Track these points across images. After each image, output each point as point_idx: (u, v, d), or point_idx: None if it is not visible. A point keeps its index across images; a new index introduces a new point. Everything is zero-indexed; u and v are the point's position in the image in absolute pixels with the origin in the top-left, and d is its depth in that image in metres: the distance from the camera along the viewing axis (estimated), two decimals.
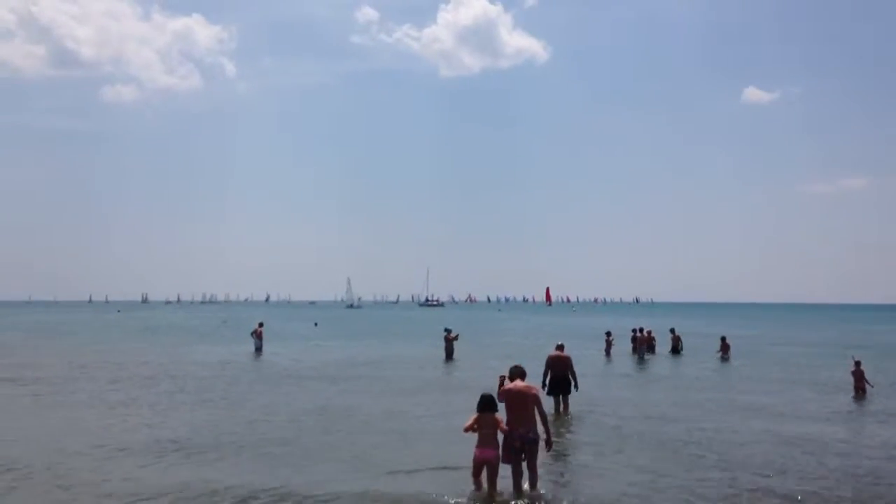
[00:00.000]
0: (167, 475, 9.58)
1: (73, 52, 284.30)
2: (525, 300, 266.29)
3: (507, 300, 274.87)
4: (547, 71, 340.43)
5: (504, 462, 8.54)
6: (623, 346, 30.36)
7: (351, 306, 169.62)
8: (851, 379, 18.58)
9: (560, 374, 14.54)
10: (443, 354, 27.63)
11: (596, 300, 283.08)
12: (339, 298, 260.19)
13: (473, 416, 8.54)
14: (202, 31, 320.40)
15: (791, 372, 24.29)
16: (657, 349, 31.01)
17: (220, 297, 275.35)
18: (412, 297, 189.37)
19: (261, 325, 32.67)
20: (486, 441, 8.40)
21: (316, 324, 64.94)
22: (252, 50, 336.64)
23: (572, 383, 14.57)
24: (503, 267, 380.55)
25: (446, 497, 8.40)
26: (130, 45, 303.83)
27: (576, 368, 14.76)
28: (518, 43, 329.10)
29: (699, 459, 10.71)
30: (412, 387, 19.20)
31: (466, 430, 8.53)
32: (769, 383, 20.89)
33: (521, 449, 8.55)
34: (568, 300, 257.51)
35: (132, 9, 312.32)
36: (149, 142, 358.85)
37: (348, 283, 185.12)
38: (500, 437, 8.53)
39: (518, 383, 8.82)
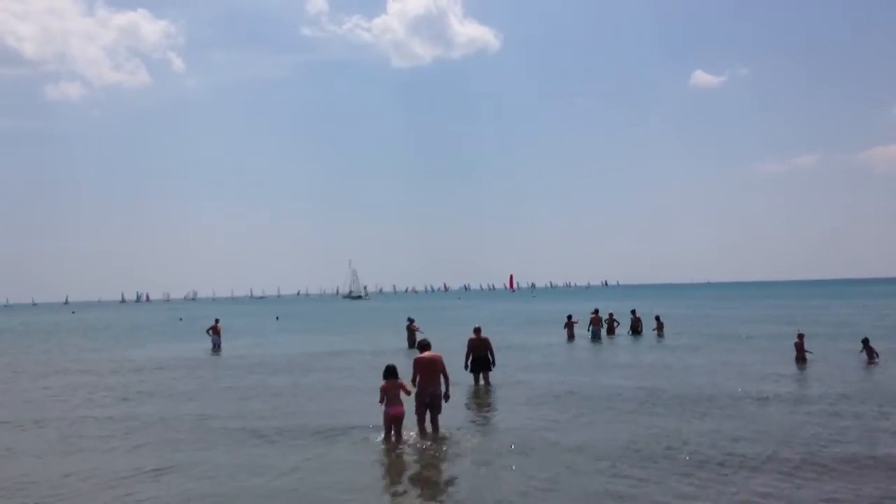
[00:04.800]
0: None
1: (15, 50, 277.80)
2: (492, 288, 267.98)
3: (466, 289, 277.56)
4: (499, 59, 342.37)
5: (416, 413, 10.86)
6: (585, 329, 30.63)
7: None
8: (794, 350, 19.87)
9: (480, 355, 16.49)
10: (405, 344, 27.57)
11: (568, 285, 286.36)
12: (301, 292, 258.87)
13: (382, 383, 10.55)
14: (148, 26, 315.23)
15: (716, 344, 25.73)
16: (617, 330, 31.44)
17: (177, 296, 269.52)
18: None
19: (217, 321, 32.17)
20: (393, 401, 10.49)
21: (277, 318, 64.41)
22: (200, 44, 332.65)
23: (491, 362, 16.51)
24: (463, 256, 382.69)
25: (367, 445, 10.56)
26: (74, 41, 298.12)
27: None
28: (469, 32, 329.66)
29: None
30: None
31: (381, 398, 10.53)
32: (695, 355, 22.32)
33: (430, 403, 10.91)
34: (533, 286, 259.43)
35: (75, 5, 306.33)
36: (96, 139, 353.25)
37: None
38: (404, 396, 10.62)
39: (427, 353, 11.19)
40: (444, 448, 10.32)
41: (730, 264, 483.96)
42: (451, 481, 8.91)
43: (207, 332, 31.68)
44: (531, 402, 14.33)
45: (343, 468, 9.60)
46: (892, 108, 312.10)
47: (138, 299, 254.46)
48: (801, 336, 19.89)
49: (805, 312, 47.94)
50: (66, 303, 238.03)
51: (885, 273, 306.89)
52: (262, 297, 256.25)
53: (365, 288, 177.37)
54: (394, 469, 9.59)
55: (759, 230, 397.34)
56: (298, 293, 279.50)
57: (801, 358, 19.37)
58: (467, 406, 14.12)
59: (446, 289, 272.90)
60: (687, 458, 9.25)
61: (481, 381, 16.47)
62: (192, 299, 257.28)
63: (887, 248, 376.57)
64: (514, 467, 9.25)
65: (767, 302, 73.15)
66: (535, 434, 11.10)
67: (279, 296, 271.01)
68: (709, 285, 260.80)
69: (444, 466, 9.57)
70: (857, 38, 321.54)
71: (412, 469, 9.50)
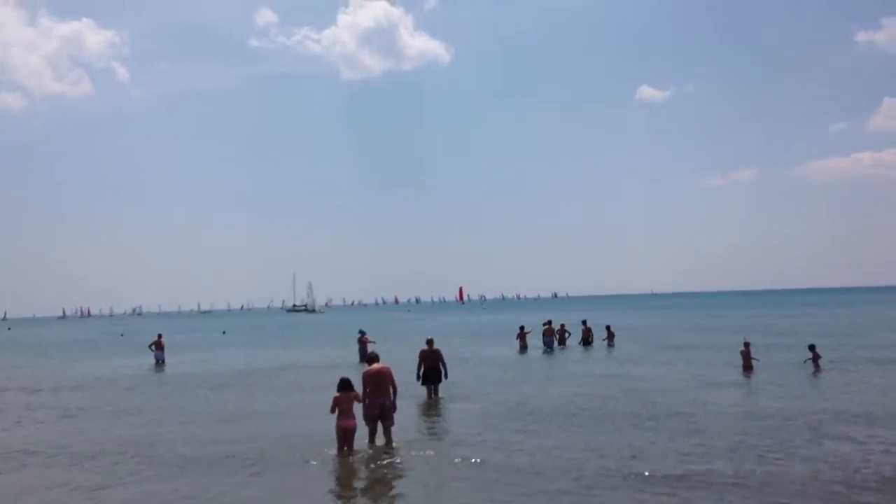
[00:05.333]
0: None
1: None
2: (443, 300, 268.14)
3: (417, 301, 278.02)
4: (450, 72, 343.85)
5: (367, 426, 10.87)
6: (538, 340, 30.75)
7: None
8: (741, 358, 20.23)
9: (432, 366, 16.34)
10: (356, 358, 27.15)
11: (518, 297, 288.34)
12: (251, 306, 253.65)
13: (335, 395, 10.51)
14: (92, 36, 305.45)
15: (665, 354, 26.17)
16: (568, 341, 31.60)
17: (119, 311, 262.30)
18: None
19: (160, 336, 31.23)
20: (346, 414, 10.45)
21: (224, 332, 63.00)
22: (146, 55, 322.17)
23: (443, 373, 16.40)
24: (414, 268, 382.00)
25: (317, 459, 10.34)
26: (15, 51, 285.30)
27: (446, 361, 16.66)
28: (420, 45, 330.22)
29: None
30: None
31: (333, 409, 10.48)
32: (645, 364, 22.55)
33: (378, 415, 10.89)
34: (484, 298, 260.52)
35: (16, 13, 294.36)
36: (38, 151, 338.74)
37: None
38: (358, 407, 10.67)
39: (375, 365, 11.17)
40: (396, 461, 10.19)
41: (674, 275, 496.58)
42: (401, 495, 8.73)
43: (150, 347, 30.74)
44: (484, 414, 14.21)
45: (293, 484, 9.36)
46: (829, 125, 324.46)
47: (82, 315, 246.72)
48: (747, 344, 20.25)
49: (747, 322, 49.03)
50: (5, 318, 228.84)
51: (826, 283, 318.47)
52: (207, 312, 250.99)
53: (313, 301, 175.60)
54: (344, 483, 9.40)
55: (702, 242, 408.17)
56: (242, 307, 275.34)
57: (747, 366, 19.72)
58: (420, 419, 14.00)
59: (397, 301, 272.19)
60: (643, 475, 9.04)
61: (433, 394, 16.38)
62: (139, 314, 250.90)
63: (827, 258, 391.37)
64: (466, 481, 9.11)
65: (710, 312, 74.80)
66: (486, 447, 10.98)
67: (229, 310, 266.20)
68: (653, 296, 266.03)
69: (394, 480, 9.40)
70: (797, 58, 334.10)
71: (362, 483, 9.34)
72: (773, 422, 12.25)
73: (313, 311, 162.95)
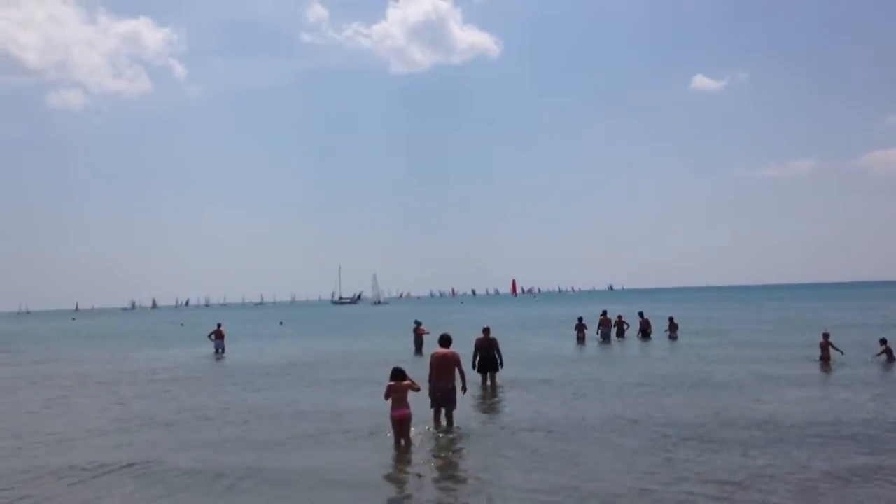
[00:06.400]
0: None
1: (17, 58, 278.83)
2: (497, 293, 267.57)
3: (474, 294, 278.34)
4: (499, 65, 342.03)
5: (431, 407, 11.18)
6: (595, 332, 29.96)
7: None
8: (819, 350, 19.36)
9: (487, 355, 16.29)
10: (412, 347, 26.86)
11: (572, 289, 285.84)
12: (309, 298, 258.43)
13: (388, 384, 10.21)
14: (150, 34, 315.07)
15: (729, 349, 24.79)
16: (626, 333, 30.69)
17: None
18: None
19: (220, 325, 31.50)
20: (399, 403, 10.11)
21: (281, 323, 63.77)
22: (202, 51, 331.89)
23: (499, 362, 16.30)
24: (467, 261, 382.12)
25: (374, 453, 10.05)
26: (76, 49, 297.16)
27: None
28: (469, 38, 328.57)
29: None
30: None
31: (386, 396, 10.21)
32: (709, 361, 21.15)
33: (441, 398, 11.12)
34: (539, 290, 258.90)
35: (76, 13, 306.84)
36: (98, 147, 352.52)
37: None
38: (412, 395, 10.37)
39: (442, 349, 11.47)
40: (453, 444, 10.29)
41: (729, 268, 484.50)
42: (456, 479, 8.53)
43: (209, 336, 31.04)
44: (539, 405, 13.74)
45: (347, 473, 9.09)
46: (890, 115, 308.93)
47: (154, 306, 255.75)
48: (826, 336, 19.33)
49: (810, 316, 46.93)
50: (77, 309, 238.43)
51: (885, 276, 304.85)
52: (263, 303, 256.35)
53: (360, 294, 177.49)
54: (396, 482, 8.83)
55: (759, 234, 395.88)
56: (294, 300, 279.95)
57: (825, 358, 18.76)
58: (475, 408, 13.68)
59: (454, 293, 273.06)
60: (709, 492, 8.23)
61: (488, 382, 16.23)
62: (206, 305, 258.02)
63: (886, 251, 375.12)
64: (521, 474, 8.74)
65: (770, 305, 72.19)
66: (542, 440, 10.62)
67: (292, 301, 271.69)
68: (708, 289, 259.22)
69: (451, 463, 9.31)
70: (855, 45, 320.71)
71: (416, 477, 8.88)
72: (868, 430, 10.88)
73: (378, 302, 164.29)
